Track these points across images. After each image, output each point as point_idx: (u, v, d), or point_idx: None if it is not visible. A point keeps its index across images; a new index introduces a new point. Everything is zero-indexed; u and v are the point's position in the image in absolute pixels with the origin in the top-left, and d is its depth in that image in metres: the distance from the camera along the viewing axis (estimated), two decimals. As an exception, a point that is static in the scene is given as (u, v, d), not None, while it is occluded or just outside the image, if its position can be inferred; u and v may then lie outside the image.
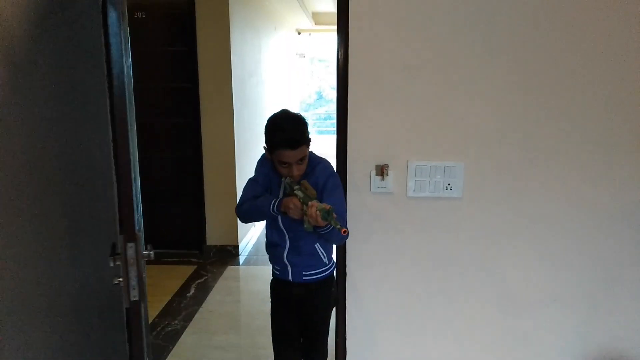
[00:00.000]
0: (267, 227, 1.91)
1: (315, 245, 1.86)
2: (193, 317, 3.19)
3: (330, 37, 8.19)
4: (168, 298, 3.43)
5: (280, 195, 1.81)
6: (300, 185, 1.70)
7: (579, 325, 1.96)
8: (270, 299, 2.02)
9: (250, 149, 4.76)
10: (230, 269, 4.05)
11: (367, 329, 2.01)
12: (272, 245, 1.90)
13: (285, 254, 1.86)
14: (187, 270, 3.98)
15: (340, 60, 1.86)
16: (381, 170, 1.89)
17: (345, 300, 1.98)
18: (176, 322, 3.12)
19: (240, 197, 1.88)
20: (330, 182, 1.77)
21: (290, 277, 1.89)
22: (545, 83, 1.78)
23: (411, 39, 1.78)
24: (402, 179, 1.88)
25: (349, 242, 1.93)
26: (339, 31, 1.85)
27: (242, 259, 4.31)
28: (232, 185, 4.24)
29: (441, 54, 1.78)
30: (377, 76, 1.81)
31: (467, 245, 1.92)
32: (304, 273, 1.88)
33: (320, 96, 11.08)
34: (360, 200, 1.91)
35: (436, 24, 1.76)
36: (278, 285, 1.97)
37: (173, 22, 4.00)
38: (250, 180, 1.88)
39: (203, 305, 3.37)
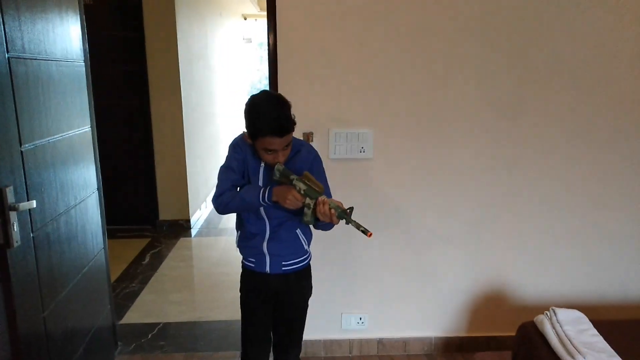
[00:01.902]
0: (243, 217, 1.78)
1: (297, 232, 1.77)
2: (149, 280, 3.50)
3: (275, 23, 8.44)
4: (125, 266, 3.71)
5: (261, 181, 1.70)
6: (302, 176, 1.59)
7: (469, 262, 2.45)
8: (240, 293, 1.88)
9: (199, 129, 5.04)
10: (182, 240, 4.36)
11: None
12: (249, 236, 1.77)
13: (264, 244, 1.74)
14: (142, 242, 4.26)
15: (270, 45, 2.23)
16: (307, 137, 2.29)
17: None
18: (134, 284, 3.42)
19: (217, 188, 1.72)
20: (315, 166, 1.74)
21: (267, 269, 1.77)
22: (436, 63, 2.22)
23: (331, 26, 2.16)
24: (325, 143, 2.29)
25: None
26: (268, 18, 2.22)
27: (194, 232, 4.62)
28: (182, 163, 4.53)
29: (355, 39, 2.18)
30: (302, 58, 2.19)
31: (379, 196, 2.36)
32: (283, 263, 1.77)
33: (269, 81, 11.36)
34: (291, 162, 2.30)
35: (351, 14, 2.16)
36: (252, 279, 1.83)
37: (121, 9, 4.20)
38: (224, 168, 1.73)
39: (158, 270, 3.68)
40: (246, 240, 1.79)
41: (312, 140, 2.29)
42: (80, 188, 2.16)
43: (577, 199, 2.39)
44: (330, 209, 1.53)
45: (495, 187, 2.37)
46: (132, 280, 3.48)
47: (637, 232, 2.45)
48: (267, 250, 1.75)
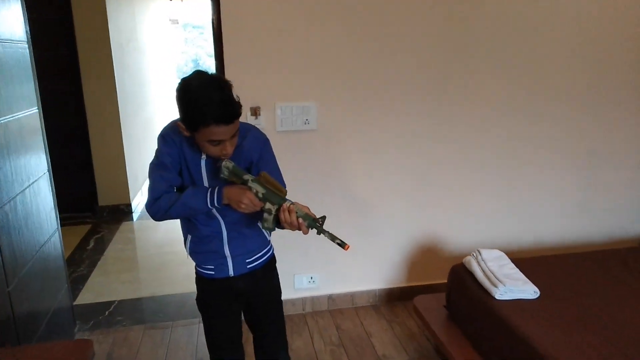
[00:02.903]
0: (191, 222, 1.53)
1: (258, 224, 1.56)
2: (97, 263, 3.51)
3: (203, 3, 8.35)
4: (70, 252, 3.68)
5: (204, 177, 1.46)
6: (258, 177, 1.40)
7: (406, 219, 2.73)
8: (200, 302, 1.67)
9: (134, 114, 4.99)
10: (125, 224, 4.35)
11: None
12: (204, 240, 1.53)
13: (225, 246, 1.53)
14: (84, 229, 4.21)
15: (214, 24, 2.35)
16: (254, 111, 2.44)
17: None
18: (81, 268, 3.42)
19: (151, 191, 1.45)
20: (265, 152, 1.53)
21: (230, 272, 1.56)
22: (376, 39, 2.44)
23: (274, 4, 2.31)
24: (272, 117, 2.45)
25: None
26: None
27: (135, 216, 4.61)
28: (120, 147, 4.48)
29: (299, 16, 2.35)
30: (247, 36, 2.33)
31: (323, 164, 2.57)
32: (247, 261, 1.58)
33: (196, 64, 11.16)
34: (240, 136, 2.45)
35: (288, -4, 2.32)
36: (211, 286, 1.60)
37: (44, -11, 4.05)
38: (155, 166, 1.45)
39: (104, 253, 3.69)
40: (201, 244, 1.54)
41: (259, 114, 2.44)
42: (32, 169, 2.18)
43: (500, 161, 2.73)
44: (297, 218, 1.37)
45: (429, 152, 2.65)
46: (79, 265, 3.47)
47: (549, 189, 2.84)
48: (230, 252, 1.54)
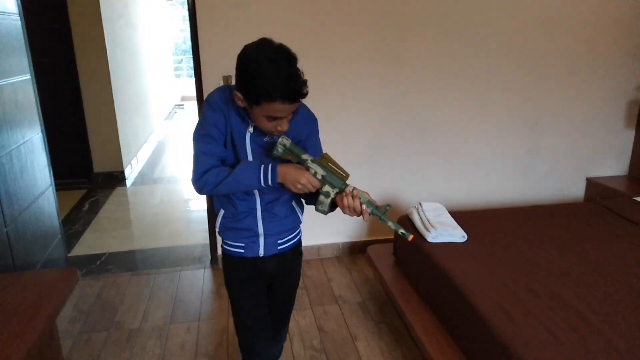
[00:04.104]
0: (227, 196, 1.46)
1: (293, 204, 1.53)
2: (91, 222, 3.83)
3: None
4: (65, 213, 3.99)
5: (249, 150, 1.38)
6: (320, 158, 1.34)
7: (367, 180, 3.02)
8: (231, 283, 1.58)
9: (126, 86, 5.25)
10: (118, 189, 4.66)
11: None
12: (238, 216, 1.46)
13: (259, 223, 1.47)
14: (79, 193, 4.52)
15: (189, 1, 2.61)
16: (226, 81, 2.71)
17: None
18: (77, 226, 3.74)
19: (198, 164, 1.37)
20: (313, 131, 1.47)
21: (261, 252, 1.50)
22: (334, 12, 2.69)
23: (237, -16, 2.57)
24: (241, 84, 2.72)
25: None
26: (186, -23, 2.58)
27: (129, 182, 4.91)
28: (113, 118, 4.76)
29: (259, -5, 2.60)
30: (217, 11, 2.58)
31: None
32: (279, 242, 1.52)
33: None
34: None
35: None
36: (242, 267, 1.53)
37: (38, -34, 4.28)
38: (201, 137, 1.36)
39: (98, 214, 4.01)
40: (234, 221, 1.47)
41: (231, 82, 2.71)
42: (26, 129, 2.47)
43: (452, 126, 3.01)
44: (361, 204, 1.33)
45: (383, 118, 2.92)
46: (74, 224, 3.79)
47: (497, 154, 3.12)
48: (263, 230, 1.47)
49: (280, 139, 1.32)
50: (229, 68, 2.72)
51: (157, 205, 4.23)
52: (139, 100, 5.89)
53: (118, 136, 4.83)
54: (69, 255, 3.22)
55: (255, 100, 1.23)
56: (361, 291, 2.76)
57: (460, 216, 2.50)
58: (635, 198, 2.80)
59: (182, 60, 11.44)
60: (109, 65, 4.64)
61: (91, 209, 4.13)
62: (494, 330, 1.66)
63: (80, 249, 3.36)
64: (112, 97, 4.72)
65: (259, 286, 1.56)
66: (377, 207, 1.34)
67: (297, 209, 1.55)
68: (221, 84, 2.69)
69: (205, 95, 1.72)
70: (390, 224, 1.33)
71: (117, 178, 4.91)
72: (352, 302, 2.65)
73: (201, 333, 2.41)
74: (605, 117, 3.26)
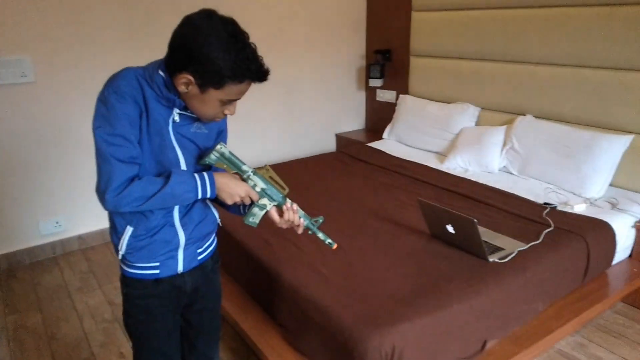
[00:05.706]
0: (138, 212, 1.18)
1: (207, 201, 1.31)
2: None
3: None
4: None
5: (175, 144, 1.17)
6: (262, 170, 1.25)
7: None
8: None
9: None
10: None
11: None
12: (152, 231, 1.21)
13: (179, 232, 1.23)
14: None
15: None
16: None
17: None
18: None
19: (112, 176, 1.09)
20: (225, 129, 1.34)
21: (180, 268, 1.28)
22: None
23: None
24: (-17, 72, 2.52)
25: None
26: None
27: None
28: None
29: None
30: None
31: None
32: (198, 251, 1.31)
33: None
34: None
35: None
36: (157, 291, 1.27)
37: None
38: (112, 137, 1.08)
39: None
40: (147, 237, 1.21)
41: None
42: None
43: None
44: (300, 218, 1.28)
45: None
46: None
47: (261, 118, 3.53)
48: (185, 239, 1.25)
49: (218, 146, 1.19)
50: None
51: None
52: None
53: None
54: None
55: (218, 83, 1.07)
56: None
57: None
58: (368, 144, 3.53)
59: None
60: None
61: None
62: (256, 255, 2.04)
63: None
64: None
65: (174, 314, 1.32)
66: (311, 221, 1.32)
67: (212, 207, 1.33)
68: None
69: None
70: (320, 235, 1.33)
71: None
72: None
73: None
74: (343, 82, 3.97)
